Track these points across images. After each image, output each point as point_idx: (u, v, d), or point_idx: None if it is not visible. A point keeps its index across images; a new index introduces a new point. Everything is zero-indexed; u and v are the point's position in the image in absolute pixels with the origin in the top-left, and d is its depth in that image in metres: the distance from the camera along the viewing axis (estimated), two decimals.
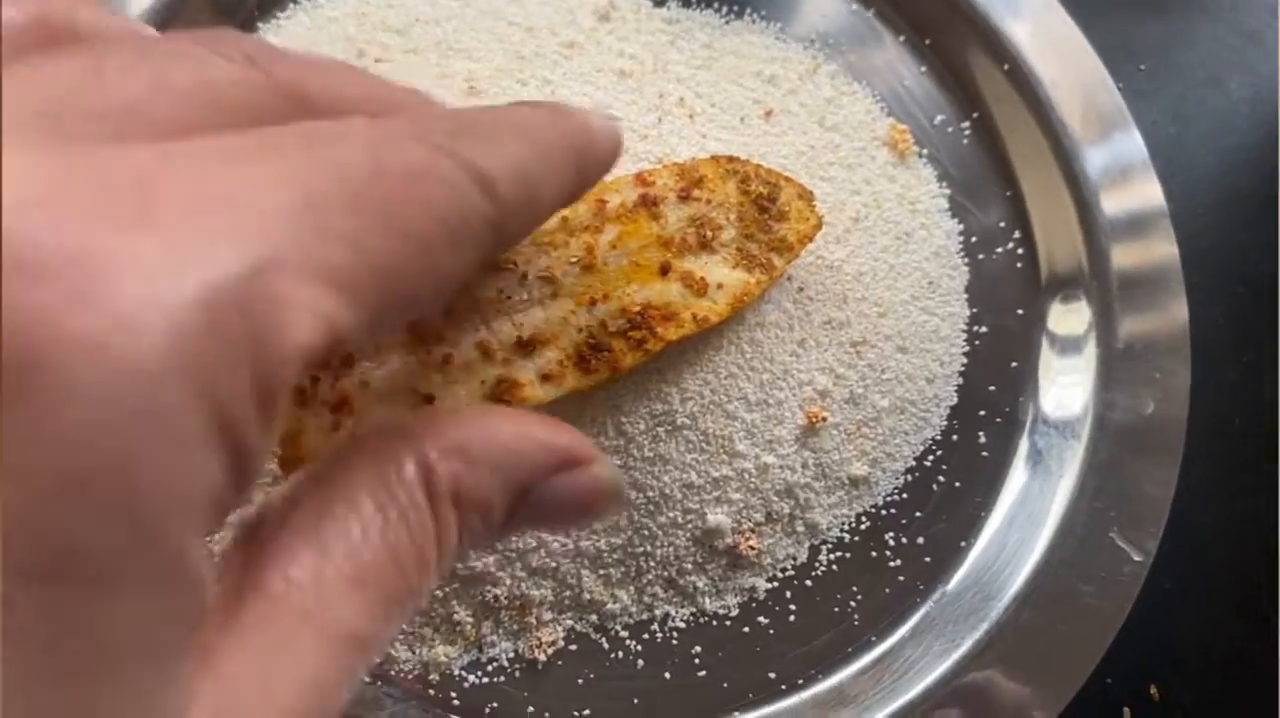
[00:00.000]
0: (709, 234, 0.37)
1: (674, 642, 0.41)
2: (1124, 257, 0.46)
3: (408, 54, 0.45)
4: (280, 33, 0.47)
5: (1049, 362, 0.46)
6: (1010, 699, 0.40)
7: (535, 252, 0.35)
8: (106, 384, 0.13)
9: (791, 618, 0.42)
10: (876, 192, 0.45)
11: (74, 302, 0.12)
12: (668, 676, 0.41)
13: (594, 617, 0.41)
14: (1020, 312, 0.46)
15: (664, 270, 0.37)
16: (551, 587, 0.40)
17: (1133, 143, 0.47)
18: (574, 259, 0.35)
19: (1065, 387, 0.45)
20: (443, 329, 0.34)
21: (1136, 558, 0.41)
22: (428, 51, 0.45)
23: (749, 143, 0.44)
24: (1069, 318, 0.46)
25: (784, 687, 0.41)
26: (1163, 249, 0.46)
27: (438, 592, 0.39)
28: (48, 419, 0.12)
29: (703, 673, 0.41)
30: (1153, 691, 0.45)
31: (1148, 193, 0.47)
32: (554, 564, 0.39)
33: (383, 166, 0.17)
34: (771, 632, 0.42)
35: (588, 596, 0.40)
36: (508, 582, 0.39)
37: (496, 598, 0.39)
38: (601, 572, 0.40)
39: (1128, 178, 0.47)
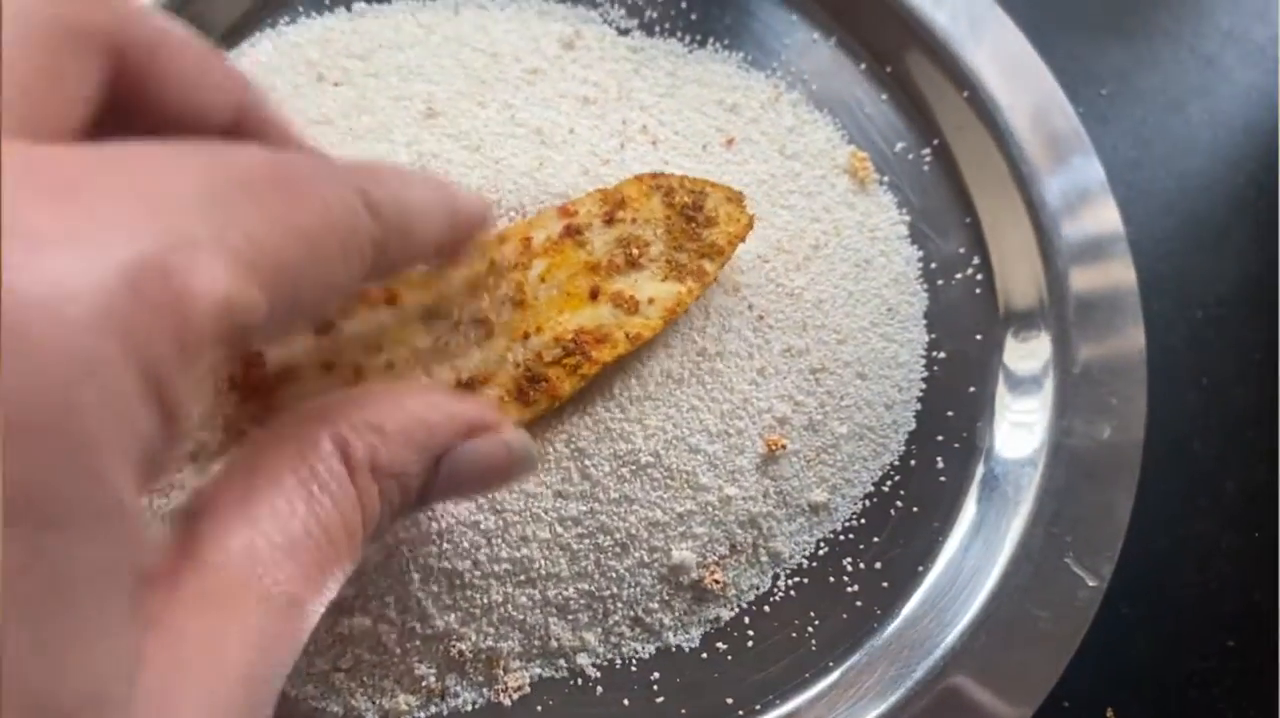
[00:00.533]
0: (636, 252, 0.39)
1: (633, 669, 0.42)
2: (1082, 281, 0.47)
3: (367, 77, 0.45)
4: (244, 59, 0.47)
5: (1008, 376, 0.46)
6: None
7: (468, 297, 0.36)
8: (51, 339, 0.14)
9: (750, 644, 0.42)
10: (836, 219, 0.46)
11: (21, 269, 0.14)
12: (626, 702, 0.41)
13: (562, 661, 0.41)
14: (979, 338, 0.47)
15: (594, 294, 0.38)
16: (519, 638, 0.40)
17: (1091, 168, 0.48)
18: (505, 298, 0.37)
19: (1021, 414, 0.46)
20: (387, 383, 0.36)
21: (1091, 583, 0.42)
22: (388, 75, 0.45)
23: (710, 170, 0.45)
24: (1026, 354, 0.47)
25: (741, 713, 0.42)
26: (1120, 274, 0.46)
27: (396, 649, 0.39)
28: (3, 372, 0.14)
29: (661, 700, 0.41)
30: (1109, 714, 0.45)
31: (1106, 217, 0.47)
32: (521, 617, 0.40)
33: (282, 173, 0.19)
34: (730, 658, 0.42)
35: (555, 643, 0.40)
36: (473, 637, 0.39)
37: (461, 653, 0.39)
38: (569, 618, 0.40)
39: (1086, 203, 0.48)
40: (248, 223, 0.18)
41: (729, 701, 0.42)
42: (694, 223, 0.39)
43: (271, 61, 0.47)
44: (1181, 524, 0.47)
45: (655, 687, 0.42)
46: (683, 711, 0.41)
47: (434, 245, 0.26)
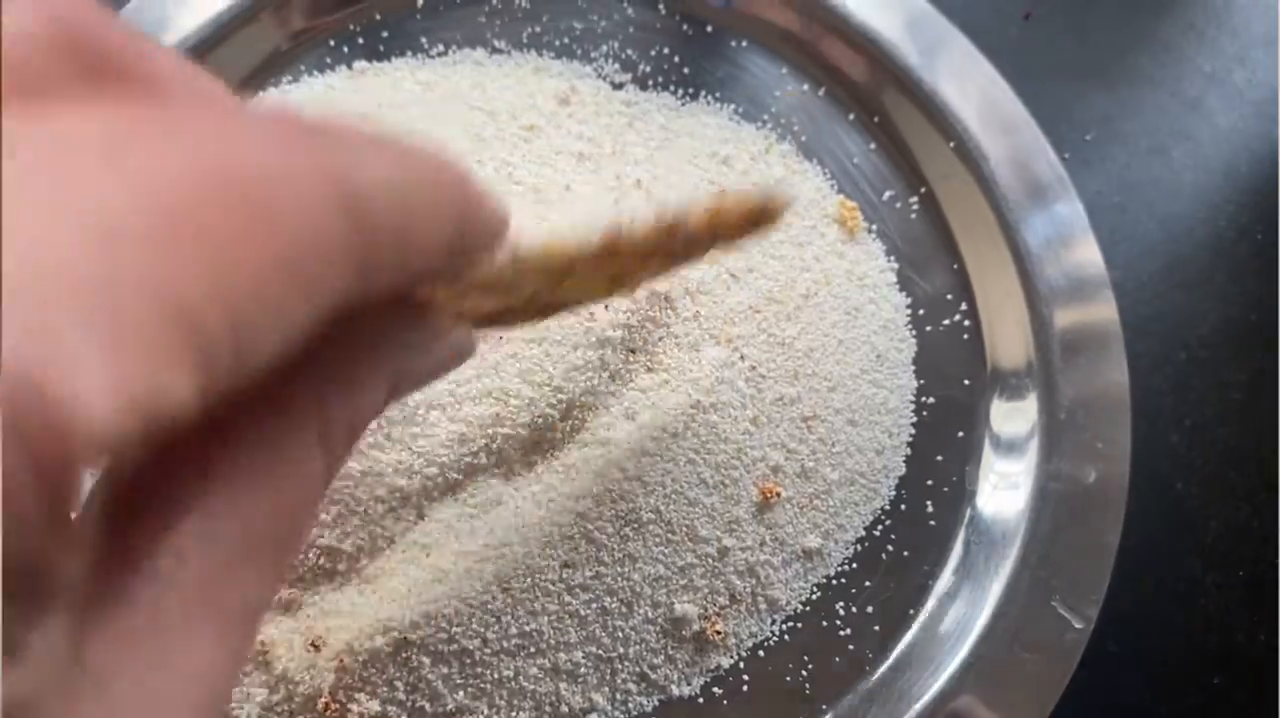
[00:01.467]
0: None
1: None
2: (1067, 324, 0.48)
3: None
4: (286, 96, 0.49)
5: (997, 420, 0.48)
6: None
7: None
8: None
9: (745, 689, 0.44)
10: (826, 268, 0.48)
11: None
12: None
13: None
14: (966, 382, 0.48)
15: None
16: (530, 708, 0.41)
17: (1074, 212, 0.49)
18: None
19: (1007, 475, 0.47)
20: None
21: (1078, 625, 0.43)
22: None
23: None
24: (1012, 413, 0.48)
25: None
26: (1105, 315, 0.48)
27: None
28: None
29: None
30: None
31: (1088, 259, 0.49)
32: (532, 687, 0.41)
33: (220, 176, 0.13)
34: (726, 703, 0.43)
35: (565, 708, 0.41)
36: (485, 711, 0.40)
37: None
38: (579, 681, 0.41)
39: (1068, 246, 0.49)
40: (156, 282, 0.12)
41: None
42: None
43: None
44: (1166, 564, 0.48)
45: None
46: None
47: (435, 266, 0.19)
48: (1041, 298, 0.48)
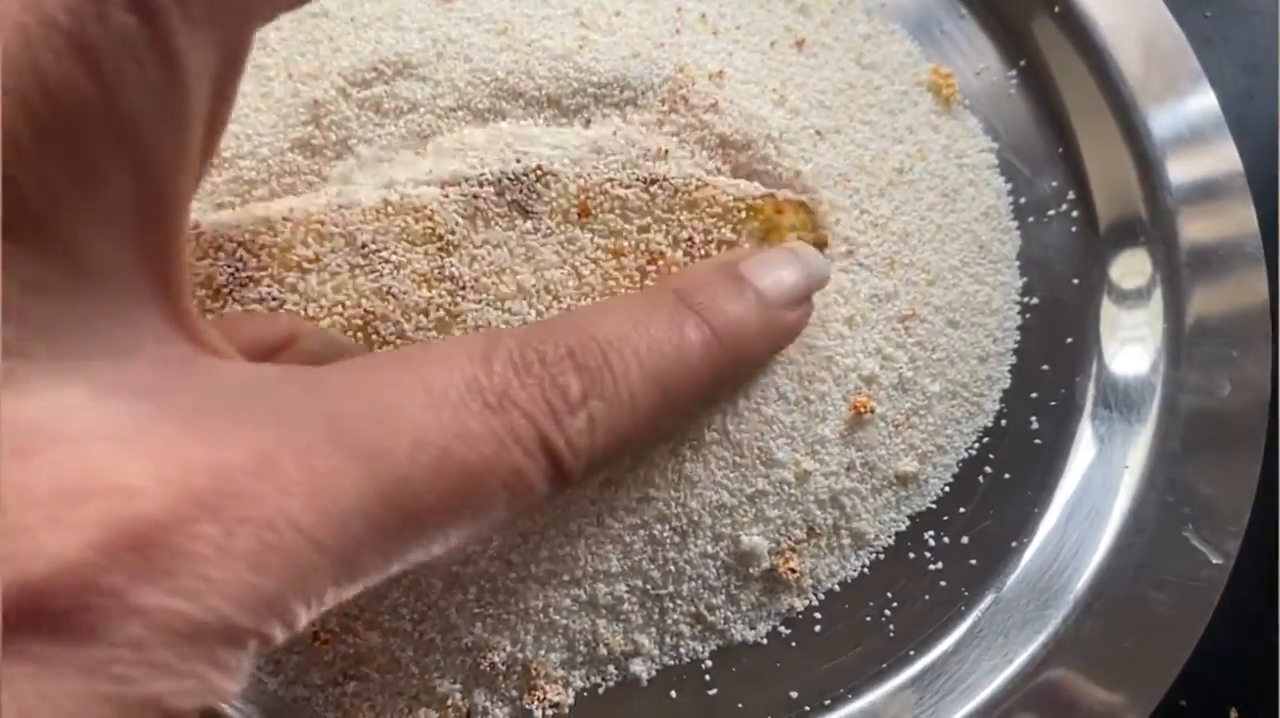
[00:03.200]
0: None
1: (686, 661, 0.37)
2: (1194, 222, 0.42)
3: None
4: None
5: (1111, 320, 0.42)
6: None
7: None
8: None
9: (817, 629, 0.37)
10: (920, 141, 0.41)
11: None
12: (674, 694, 0.36)
13: (612, 668, 0.36)
14: (1076, 282, 0.42)
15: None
16: (562, 645, 0.35)
17: (1202, 95, 0.43)
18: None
19: (1129, 357, 0.41)
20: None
21: (1215, 561, 0.37)
22: None
23: (780, 69, 0.40)
24: (1131, 273, 0.42)
25: (807, 707, 0.37)
26: (1239, 215, 0.42)
27: (413, 666, 0.35)
28: None
29: (714, 692, 0.37)
30: (1234, 715, 0.40)
31: (1222, 153, 0.42)
32: (564, 622, 0.35)
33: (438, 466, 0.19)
34: (794, 644, 0.37)
35: (604, 649, 0.36)
36: (507, 647, 0.35)
37: (494, 666, 0.35)
38: (620, 620, 0.36)
39: (1196, 135, 0.43)
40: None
41: (793, 694, 0.37)
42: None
43: None
44: None
45: (708, 677, 0.37)
46: (739, 704, 0.37)
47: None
48: (1165, 190, 0.42)
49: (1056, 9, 0.44)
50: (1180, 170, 0.42)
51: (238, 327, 0.23)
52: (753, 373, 0.35)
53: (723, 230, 0.35)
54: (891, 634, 0.38)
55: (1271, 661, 0.40)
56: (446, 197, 0.34)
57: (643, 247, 0.35)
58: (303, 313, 0.32)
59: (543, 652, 0.35)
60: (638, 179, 0.35)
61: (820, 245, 0.37)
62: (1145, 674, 0.36)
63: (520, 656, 0.35)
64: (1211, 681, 0.40)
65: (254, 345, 0.23)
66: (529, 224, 0.34)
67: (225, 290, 0.32)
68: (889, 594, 0.38)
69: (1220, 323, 0.40)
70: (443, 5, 0.37)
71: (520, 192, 0.34)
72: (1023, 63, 0.45)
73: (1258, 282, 0.41)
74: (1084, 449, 0.40)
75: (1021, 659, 0.37)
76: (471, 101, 0.36)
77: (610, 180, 0.35)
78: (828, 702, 0.37)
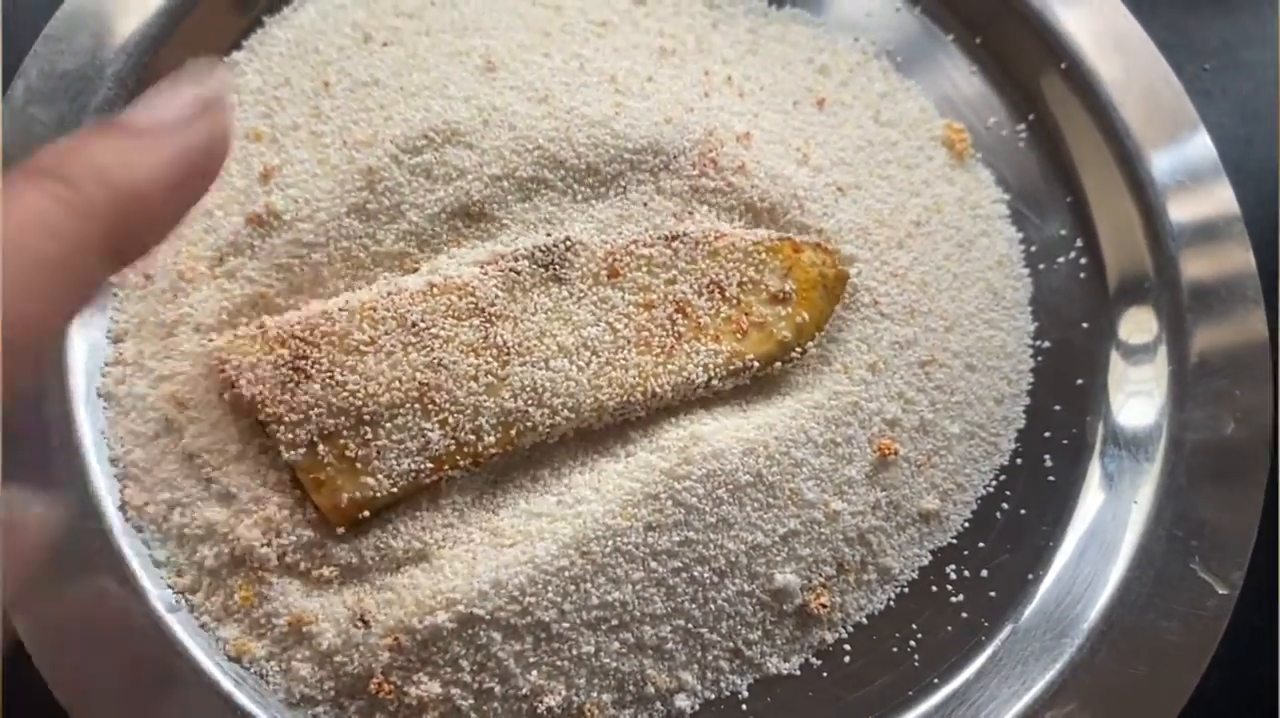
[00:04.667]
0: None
1: (726, 693, 0.39)
2: (1195, 265, 0.45)
3: (418, 36, 0.43)
4: (287, 24, 0.45)
5: (1119, 375, 0.44)
6: None
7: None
8: None
9: (847, 659, 0.40)
10: (937, 194, 0.44)
11: None
12: None
13: (658, 704, 0.38)
14: (1085, 325, 0.45)
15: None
16: (613, 687, 0.38)
17: (1201, 144, 0.46)
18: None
19: (1136, 398, 0.44)
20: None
21: (1221, 591, 0.40)
22: (441, 32, 0.43)
23: (802, 128, 0.43)
24: (1138, 326, 0.45)
25: None
26: (1237, 257, 0.44)
27: (472, 714, 0.37)
28: None
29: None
30: None
31: (1219, 197, 0.45)
32: (615, 664, 0.37)
33: None
34: (825, 675, 0.40)
35: (651, 688, 0.38)
36: (562, 691, 0.37)
37: (550, 710, 0.37)
38: (665, 659, 0.38)
39: (1197, 181, 0.46)
40: None
41: None
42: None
43: (315, 25, 0.45)
44: None
45: (744, 707, 0.39)
46: None
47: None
48: (1168, 234, 0.45)
49: (1063, 65, 0.47)
50: (1181, 215, 0.45)
51: None
52: (784, 411, 0.39)
53: (747, 272, 0.38)
54: (917, 664, 0.40)
55: (1277, 687, 0.43)
56: (485, 273, 0.37)
57: (671, 297, 0.38)
58: (363, 391, 0.36)
59: (595, 693, 0.37)
60: (660, 237, 0.38)
61: (840, 281, 0.40)
62: (1159, 700, 0.39)
63: (575, 699, 0.37)
64: (1221, 708, 0.42)
65: None
66: (563, 290, 0.38)
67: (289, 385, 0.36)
68: (913, 626, 0.41)
69: (1222, 362, 0.43)
70: (486, 74, 0.41)
71: (552, 261, 0.37)
72: (1031, 116, 0.48)
73: (1257, 322, 0.43)
74: (1095, 486, 0.43)
75: (1039, 686, 0.39)
76: (516, 170, 0.39)
77: (635, 242, 0.38)
78: None
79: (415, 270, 0.39)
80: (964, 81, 0.48)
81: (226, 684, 0.36)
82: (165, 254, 0.40)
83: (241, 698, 0.36)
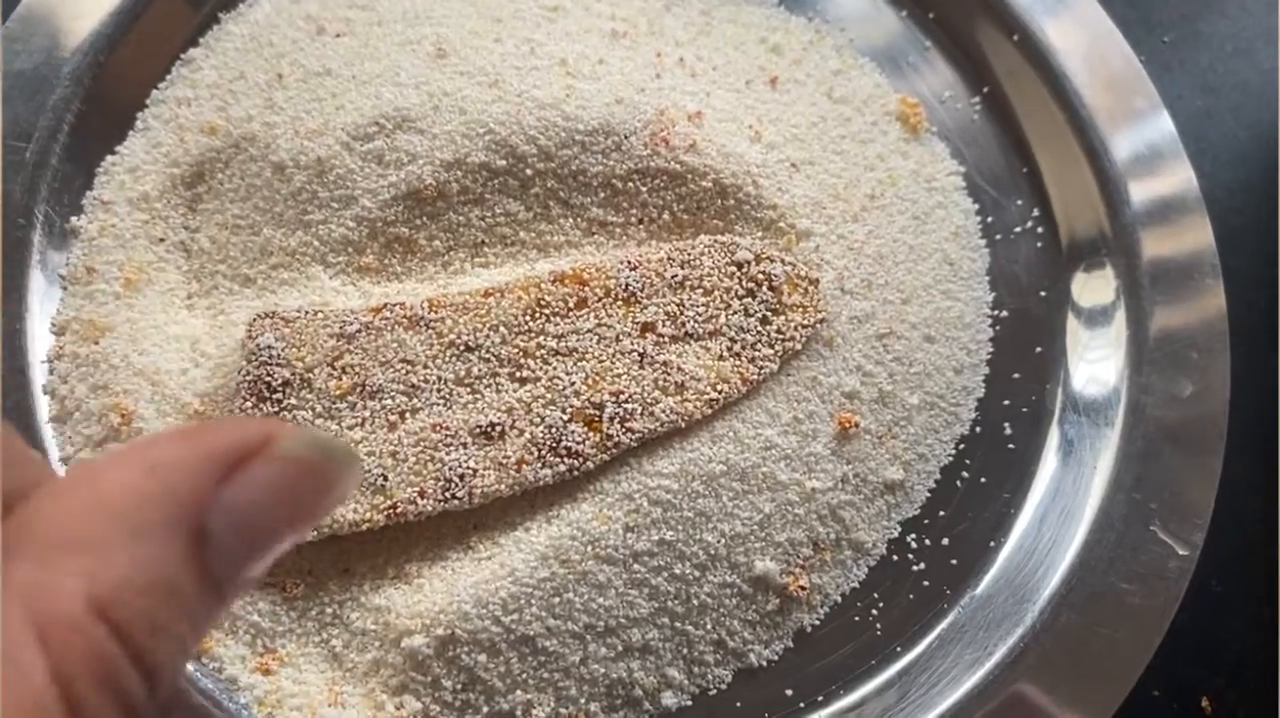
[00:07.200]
0: (695, 321, 0.40)
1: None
2: (1153, 238, 0.46)
3: (371, 26, 0.45)
4: (242, 20, 0.47)
5: (1077, 342, 0.46)
6: (1049, 713, 0.39)
7: (511, 333, 0.39)
8: None
9: (809, 630, 0.41)
10: (891, 168, 0.46)
11: None
12: None
13: (647, 705, 0.40)
14: (1043, 294, 0.46)
15: (641, 360, 0.39)
16: (601, 693, 0.39)
17: (1156, 114, 0.47)
18: (545, 348, 0.39)
19: (1095, 364, 0.45)
20: (403, 401, 0.38)
21: (1182, 552, 0.41)
22: (393, 22, 0.45)
23: (755, 106, 0.44)
24: (1095, 287, 0.46)
25: (802, 704, 0.40)
26: (1195, 230, 0.46)
27: None
28: None
29: (714, 693, 0.40)
30: (1204, 703, 0.44)
31: (1176, 169, 0.46)
32: (603, 671, 0.38)
33: None
34: (790, 646, 0.41)
35: (639, 691, 0.39)
36: (550, 703, 0.38)
37: None
38: (651, 659, 0.39)
39: (1153, 153, 0.47)
40: None
41: (788, 692, 0.41)
42: (763, 303, 0.40)
43: (269, 19, 0.46)
44: (1270, 496, 0.46)
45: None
46: (737, 703, 0.40)
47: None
48: (1125, 204, 0.46)
49: (1015, 37, 0.49)
50: (1139, 189, 0.46)
51: (212, 432, 0.19)
52: (742, 400, 0.40)
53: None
54: (879, 633, 0.41)
55: (1237, 650, 0.44)
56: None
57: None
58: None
59: (583, 700, 0.38)
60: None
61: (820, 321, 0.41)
62: (1119, 663, 0.40)
63: (564, 710, 0.38)
64: (1182, 671, 0.43)
65: (226, 452, 0.19)
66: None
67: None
68: (876, 596, 0.42)
69: (1180, 329, 0.44)
70: (437, 61, 0.42)
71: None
72: (985, 89, 0.49)
73: (1215, 295, 0.44)
74: (1055, 452, 0.44)
75: (1001, 652, 0.40)
76: (468, 156, 0.40)
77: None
78: (820, 698, 0.40)
79: (367, 258, 0.41)
80: (917, 57, 0.50)
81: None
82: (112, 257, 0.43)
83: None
